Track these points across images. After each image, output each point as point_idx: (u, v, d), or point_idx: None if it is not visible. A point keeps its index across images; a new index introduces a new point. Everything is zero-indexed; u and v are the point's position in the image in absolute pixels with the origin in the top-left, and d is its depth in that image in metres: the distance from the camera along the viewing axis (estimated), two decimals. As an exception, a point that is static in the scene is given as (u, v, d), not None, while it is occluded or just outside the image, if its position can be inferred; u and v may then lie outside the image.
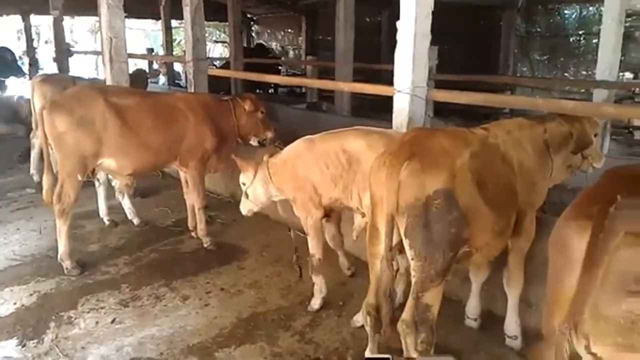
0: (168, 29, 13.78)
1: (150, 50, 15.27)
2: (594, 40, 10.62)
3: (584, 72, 12.18)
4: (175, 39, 16.28)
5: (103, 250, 5.04)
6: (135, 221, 5.64)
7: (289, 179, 3.84)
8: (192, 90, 6.82)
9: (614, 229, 1.85)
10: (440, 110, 7.47)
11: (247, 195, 4.08)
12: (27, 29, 12.72)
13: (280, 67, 16.34)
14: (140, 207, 5.90)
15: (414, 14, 3.93)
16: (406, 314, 2.82)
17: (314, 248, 3.86)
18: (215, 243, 5.10)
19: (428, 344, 2.74)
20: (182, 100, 5.01)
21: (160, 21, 14.23)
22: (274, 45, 19.07)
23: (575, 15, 12.54)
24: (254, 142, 5.39)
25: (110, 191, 5.72)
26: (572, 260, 1.96)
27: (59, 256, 4.51)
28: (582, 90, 10.76)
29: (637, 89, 10.43)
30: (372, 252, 2.84)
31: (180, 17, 7.80)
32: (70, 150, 4.39)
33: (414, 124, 4.05)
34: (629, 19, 9.71)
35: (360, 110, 9.62)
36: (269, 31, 19.43)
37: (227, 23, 13.61)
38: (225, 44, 18.91)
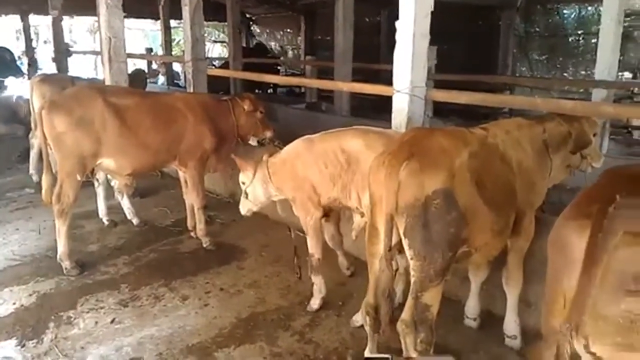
0: (167, 29, 13.77)
1: (149, 50, 15.27)
2: (593, 40, 10.63)
3: (582, 72, 12.18)
4: (174, 39, 16.26)
5: (102, 250, 5.04)
6: (135, 221, 5.63)
7: (288, 179, 3.85)
8: (191, 90, 6.82)
9: (612, 229, 1.85)
10: (440, 110, 7.49)
11: (246, 195, 4.09)
12: (26, 29, 12.70)
13: (279, 67, 16.33)
14: (139, 207, 5.90)
15: (413, 14, 3.93)
16: (405, 314, 2.82)
17: (313, 248, 3.86)
18: (214, 243, 5.10)
19: (427, 344, 2.75)
20: (181, 100, 5.01)
21: (159, 21, 14.22)
22: (273, 45, 19.06)
23: (574, 15, 12.54)
24: (253, 141, 5.39)
25: (109, 191, 5.72)
26: (571, 259, 1.97)
27: (58, 256, 4.51)
28: (581, 90, 10.77)
29: (636, 89, 10.44)
30: (372, 252, 2.84)
31: (179, 17, 7.81)
32: (70, 150, 4.39)
33: (413, 123, 4.05)
34: (628, 18, 9.71)
35: (360, 110, 9.61)
36: (268, 31, 19.42)
37: (226, 23, 13.60)
38: (224, 44, 18.91)
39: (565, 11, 12.67)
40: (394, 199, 2.62)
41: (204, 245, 5.07)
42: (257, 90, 13.00)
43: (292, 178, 3.81)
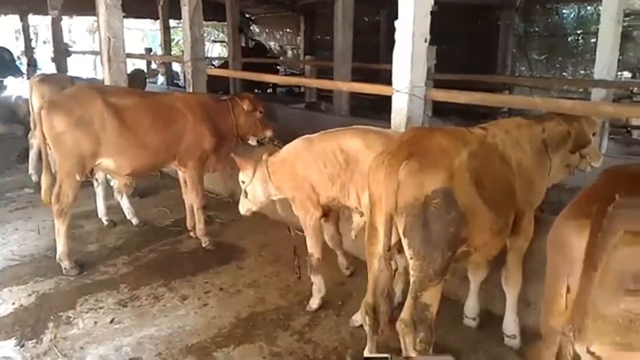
0: (166, 29, 13.76)
1: (149, 50, 15.26)
2: (592, 40, 10.63)
3: (582, 72, 12.20)
4: (174, 39, 16.26)
5: (102, 250, 5.04)
6: (134, 221, 5.63)
7: (287, 178, 3.85)
8: (191, 90, 6.82)
9: (612, 228, 1.85)
10: (439, 110, 7.49)
11: (246, 194, 4.08)
12: (25, 29, 12.70)
13: (278, 67, 16.33)
14: (138, 207, 5.90)
15: (412, 13, 3.93)
16: (405, 313, 2.82)
17: (312, 247, 3.86)
18: (214, 243, 5.10)
19: (427, 343, 2.75)
20: (181, 100, 5.01)
21: (158, 21, 14.22)
22: (272, 45, 19.06)
23: (574, 15, 12.55)
24: (252, 141, 5.39)
25: (108, 191, 5.72)
26: (571, 259, 1.97)
27: (57, 256, 4.51)
28: (581, 90, 10.78)
29: (635, 88, 10.45)
30: (371, 252, 2.84)
31: (178, 16, 7.82)
32: (69, 150, 4.39)
33: (412, 123, 4.05)
34: (627, 18, 9.72)
35: (359, 110, 9.61)
36: (267, 31, 19.42)
37: (225, 23, 13.59)
38: (224, 44, 18.90)
39: (564, 11, 12.68)
40: (394, 199, 2.62)
41: (204, 245, 5.07)
42: (256, 90, 13.00)
43: (292, 177, 3.81)
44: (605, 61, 6.63)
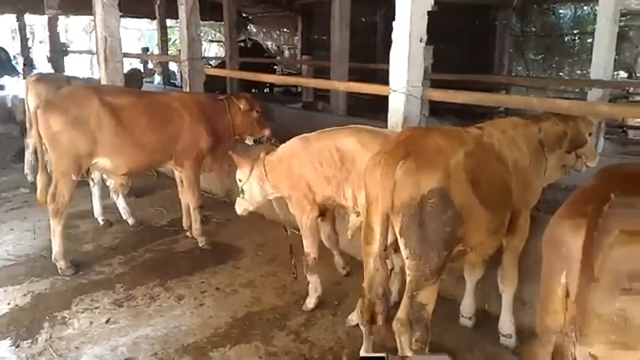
0: (163, 28, 13.74)
1: (146, 49, 15.24)
2: (589, 40, 10.65)
3: (578, 72, 12.22)
4: (171, 38, 16.23)
5: (97, 250, 5.03)
6: (130, 221, 5.62)
7: (284, 177, 3.85)
8: (188, 90, 6.81)
9: (608, 228, 1.85)
10: (436, 110, 7.50)
11: (242, 193, 4.08)
12: (22, 29, 12.67)
13: (275, 67, 16.32)
14: (135, 206, 5.89)
15: (409, 13, 3.93)
16: (401, 313, 2.82)
17: (309, 247, 3.86)
18: (210, 242, 5.09)
19: (423, 343, 2.75)
20: (177, 99, 5.01)
21: (155, 20, 14.19)
22: (269, 44, 19.05)
23: (570, 15, 12.58)
24: (249, 141, 5.38)
25: (104, 191, 5.71)
26: (567, 258, 1.97)
27: (53, 256, 4.50)
28: (577, 90, 10.79)
29: (632, 88, 10.48)
30: (367, 251, 2.84)
31: (175, 16, 7.79)
32: (65, 150, 4.38)
33: (409, 123, 4.05)
34: (623, 18, 9.75)
35: (356, 110, 9.61)
36: (264, 30, 19.41)
37: (222, 22, 13.57)
38: (221, 44, 18.88)
39: (561, 11, 12.71)
40: (390, 198, 2.62)
41: (200, 245, 5.06)
42: (253, 90, 12.98)
43: (288, 176, 3.81)
44: (602, 61, 6.64)
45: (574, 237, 1.94)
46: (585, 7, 12.16)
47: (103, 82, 6.39)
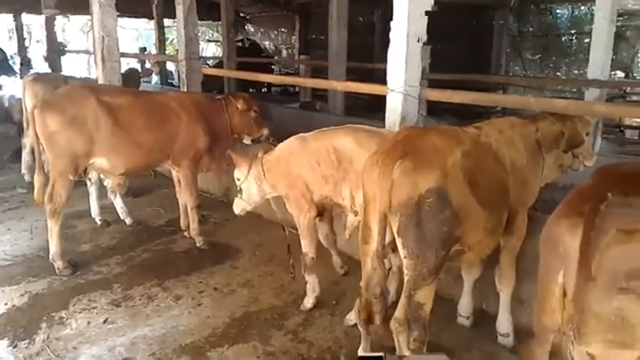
0: (160, 28, 13.72)
1: (143, 49, 15.21)
2: (586, 40, 10.68)
3: (575, 71, 12.24)
4: (168, 38, 16.23)
5: (95, 250, 5.02)
6: (128, 221, 5.61)
7: (282, 176, 3.85)
8: (185, 90, 6.80)
9: (605, 227, 1.86)
10: (433, 109, 7.46)
11: (240, 192, 4.08)
12: (19, 28, 12.64)
13: (273, 66, 16.31)
14: (132, 206, 5.88)
15: (407, 13, 3.93)
16: (399, 312, 2.82)
17: (306, 247, 3.85)
18: (208, 242, 5.09)
19: (420, 342, 2.75)
20: (175, 99, 5.00)
21: (152, 20, 14.17)
22: (267, 44, 19.04)
23: (567, 15, 12.60)
24: (247, 140, 5.37)
25: (102, 191, 5.69)
26: (564, 257, 1.98)
27: (50, 256, 4.49)
28: (574, 89, 10.82)
29: (629, 88, 10.50)
30: (365, 251, 2.84)
31: (172, 16, 7.78)
32: (62, 150, 4.37)
33: (406, 122, 4.06)
34: (620, 18, 9.77)
35: (354, 110, 9.62)
36: (262, 30, 19.40)
37: (220, 22, 13.56)
38: (219, 43, 18.87)
39: (558, 11, 12.73)
40: (388, 198, 2.63)
41: (198, 245, 5.05)
42: (251, 90, 12.98)
43: (286, 176, 3.81)
44: (599, 61, 6.66)
45: (571, 236, 1.94)
46: (582, 7, 12.19)
47: (100, 81, 6.38)
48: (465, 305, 3.67)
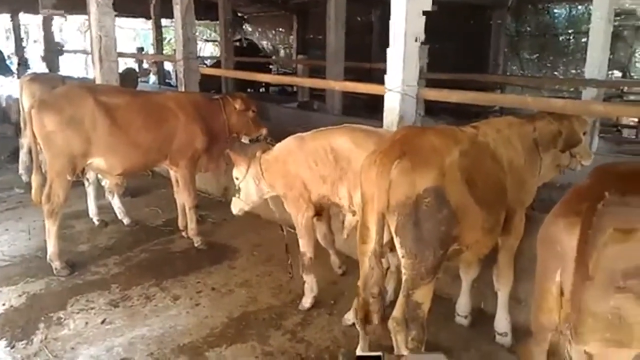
0: (158, 28, 13.70)
1: (141, 49, 15.19)
2: (583, 39, 10.69)
3: (573, 71, 12.27)
4: (166, 38, 16.21)
5: (93, 250, 5.01)
6: (125, 221, 5.60)
7: (280, 176, 3.85)
8: (183, 89, 6.80)
9: (602, 226, 1.86)
10: (431, 109, 7.48)
11: (239, 192, 4.08)
12: (16, 28, 12.61)
13: (271, 66, 16.31)
14: (130, 206, 5.88)
15: (405, 13, 3.94)
16: (397, 312, 2.83)
17: (305, 247, 3.86)
18: (206, 242, 5.08)
19: (419, 342, 2.76)
20: (173, 99, 4.99)
21: (150, 20, 14.15)
22: (265, 44, 19.03)
23: (565, 15, 12.62)
24: (245, 140, 5.37)
25: (100, 191, 5.68)
26: (561, 256, 1.98)
27: (48, 256, 4.48)
28: (572, 89, 10.84)
29: (626, 87, 10.52)
30: (363, 251, 2.84)
31: (170, 15, 7.78)
32: (59, 150, 4.36)
33: (404, 122, 4.06)
34: (618, 17, 9.78)
35: (352, 109, 9.62)
36: (260, 30, 19.39)
37: (217, 22, 13.56)
38: (216, 43, 18.86)
39: (555, 10, 12.75)
40: (386, 198, 2.63)
41: (196, 245, 5.05)
42: (249, 89, 12.98)
43: (284, 175, 3.82)
44: (596, 60, 6.67)
45: (568, 236, 1.95)
46: (579, 7, 12.21)
47: (98, 81, 6.36)
48: (463, 305, 3.67)
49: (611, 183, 2.00)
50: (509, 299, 3.40)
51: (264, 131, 5.28)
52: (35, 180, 4.52)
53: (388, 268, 3.31)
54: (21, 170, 6.93)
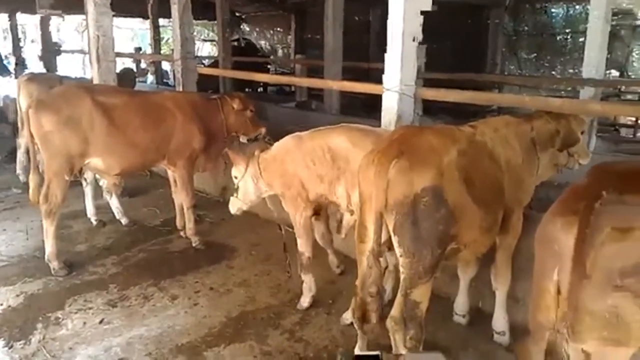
0: (156, 28, 13.68)
1: (138, 49, 15.17)
2: (581, 39, 10.70)
3: (570, 70, 12.29)
4: (163, 38, 16.17)
5: (91, 250, 5.00)
6: (123, 221, 5.60)
7: (277, 175, 3.85)
8: (180, 89, 6.79)
9: (599, 225, 1.87)
10: (429, 109, 7.50)
11: (236, 192, 4.08)
12: (14, 28, 12.59)
13: (269, 66, 16.31)
14: (128, 206, 5.87)
15: (403, 12, 3.94)
16: (395, 311, 2.83)
17: (303, 246, 3.86)
18: (204, 242, 5.08)
19: (417, 341, 2.76)
20: (170, 99, 4.98)
21: (148, 20, 14.14)
22: (263, 43, 19.03)
23: (562, 14, 12.64)
24: (243, 140, 5.37)
25: (98, 191, 5.68)
26: (559, 255, 1.98)
27: (46, 257, 4.47)
28: (569, 88, 10.85)
29: (623, 87, 10.54)
30: (361, 250, 2.84)
31: (168, 15, 7.77)
32: (57, 150, 4.35)
33: (402, 122, 4.06)
34: (615, 17, 9.80)
35: (350, 109, 9.61)
36: (257, 29, 19.38)
37: (215, 21, 13.55)
38: (214, 43, 18.85)
39: (553, 10, 12.77)
40: (384, 197, 2.63)
41: (194, 245, 5.05)
42: (247, 89, 12.97)
43: (282, 174, 3.82)
44: (594, 60, 6.67)
45: (566, 235, 1.95)
46: (577, 6, 12.23)
47: (95, 81, 6.36)
48: (461, 304, 3.68)
49: (609, 182, 2.00)
50: (507, 298, 3.40)
51: (262, 130, 5.28)
52: (32, 180, 4.51)
53: (386, 267, 3.31)
54: (19, 170, 6.92)
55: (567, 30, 12.57)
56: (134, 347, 3.46)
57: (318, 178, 3.65)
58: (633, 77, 11.75)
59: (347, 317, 3.58)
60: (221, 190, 6.26)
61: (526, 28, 13.28)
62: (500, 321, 3.44)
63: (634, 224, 1.86)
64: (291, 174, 3.76)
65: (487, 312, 3.58)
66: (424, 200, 2.60)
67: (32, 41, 16.56)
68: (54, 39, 11.70)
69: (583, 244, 1.88)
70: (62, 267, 4.47)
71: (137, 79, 9.82)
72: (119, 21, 14.97)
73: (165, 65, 15.08)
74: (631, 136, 9.43)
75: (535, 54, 13.15)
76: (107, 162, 4.61)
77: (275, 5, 16.94)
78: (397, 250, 2.70)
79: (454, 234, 2.74)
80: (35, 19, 10.82)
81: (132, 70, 10.39)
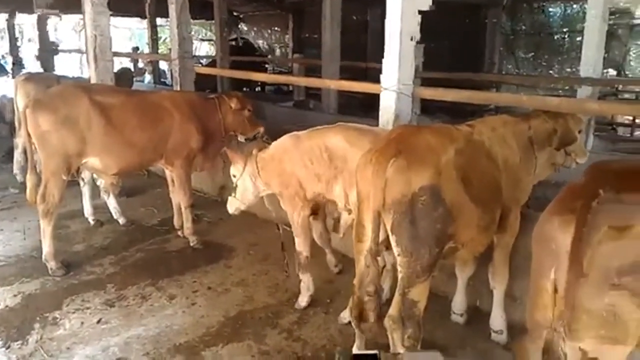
0: (153, 27, 13.68)
1: (136, 48, 15.14)
2: (578, 38, 10.74)
3: (568, 69, 12.31)
4: (161, 37, 16.17)
5: (88, 250, 5.00)
6: (121, 221, 5.59)
7: (275, 174, 3.85)
8: (178, 89, 6.79)
9: (596, 224, 1.87)
10: (427, 108, 7.51)
11: (235, 191, 4.07)
12: (11, 28, 12.55)
13: (267, 65, 16.30)
14: (125, 206, 5.86)
15: (400, 12, 3.94)
16: (393, 310, 2.83)
17: (301, 246, 3.86)
18: (202, 242, 5.08)
19: (415, 340, 2.76)
20: (168, 98, 4.98)
21: (145, 19, 14.12)
22: (260, 43, 19.02)
23: (560, 13, 12.67)
24: (241, 139, 5.36)
25: (95, 190, 5.67)
26: (556, 254, 1.99)
27: (43, 256, 4.46)
28: (567, 87, 10.87)
29: (620, 86, 10.56)
30: (359, 249, 2.84)
31: (165, 15, 7.75)
32: (54, 150, 4.34)
33: (400, 121, 4.06)
34: (612, 16, 9.83)
35: (347, 108, 9.62)
36: (255, 29, 19.37)
37: (213, 21, 13.53)
38: (212, 42, 18.83)
39: (550, 9, 12.80)
40: (381, 196, 2.63)
41: (191, 244, 5.05)
42: (245, 89, 12.95)
43: (280, 174, 3.82)
44: (591, 59, 6.69)
45: (563, 233, 1.95)
46: (574, 6, 12.26)
47: (93, 81, 6.35)
48: (459, 303, 3.68)
49: (606, 181, 2.01)
50: (505, 297, 3.41)
51: (260, 130, 5.28)
52: (30, 180, 4.50)
53: (384, 266, 3.32)
54: (16, 170, 6.90)
55: (564, 30, 12.60)
56: (132, 346, 3.46)
57: (315, 177, 3.65)
58: (630, 76, 11.78)
59: (345, 316, 3.59)
60: (219, 190, 6.26)
61: (524, 27, 13.31)
62: (497, 320, 3.45)
63: (631, 222, 1.86)
64: (289, 173, 3.76)
65: (485, 311, 3.59)
66: (421, 200, 2.60)
67: (30, 40, 16.51)
68: (52, 38, 11.65)
69: (580, 242, 1.88)
70: (60, 267, 4.46)
71: (134, 79, 9.79)
72: (117, 20, 14.92)
73: (163, 65, 15.07)
74: (628, 135, 9.45)
75: (532, 53, 13.18)
76: (104, 162, 4.60)
77: (273, 4, 16.94)
78: (395, 249, 2.70)
79: (451, 233, 2.75)
80: (33, 18, 10.77)
81: (129, 69, 10.35)
